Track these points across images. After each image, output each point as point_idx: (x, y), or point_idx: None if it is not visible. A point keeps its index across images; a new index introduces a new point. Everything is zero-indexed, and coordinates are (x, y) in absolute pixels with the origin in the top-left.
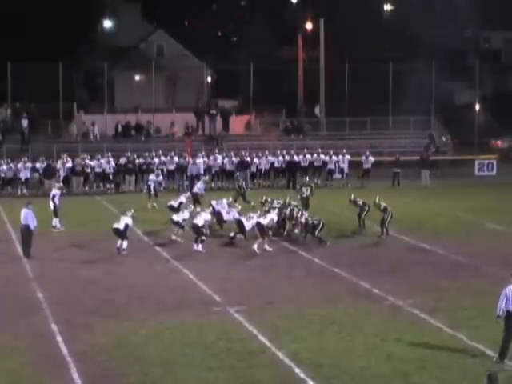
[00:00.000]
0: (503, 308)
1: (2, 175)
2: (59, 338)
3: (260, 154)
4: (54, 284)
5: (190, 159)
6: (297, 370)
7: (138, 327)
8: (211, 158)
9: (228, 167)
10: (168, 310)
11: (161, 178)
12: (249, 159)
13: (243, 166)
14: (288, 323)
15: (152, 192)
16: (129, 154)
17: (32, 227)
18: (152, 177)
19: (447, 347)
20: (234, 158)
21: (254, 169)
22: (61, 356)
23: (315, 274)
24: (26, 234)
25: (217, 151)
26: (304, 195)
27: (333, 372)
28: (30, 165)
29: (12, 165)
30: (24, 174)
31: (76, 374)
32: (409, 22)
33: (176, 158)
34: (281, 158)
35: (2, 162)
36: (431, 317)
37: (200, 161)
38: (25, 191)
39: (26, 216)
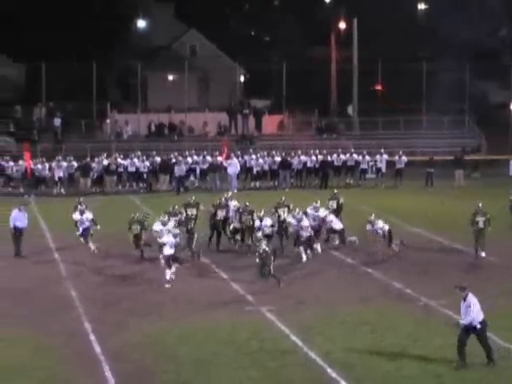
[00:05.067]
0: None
1: (37, 174)
2: (92, 337)
3: (293, 154)
4: (87, 283)
5: (224, 161)
6: (329, 370)
7: (171, 326)
8: (250, 157)
9: (265, 167)
10: (200, 309)
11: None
12: (289, 159)
13: (285, 165)
14: (320, 323)
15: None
16: (154, 153)
17: (22, 227)
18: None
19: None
20: (267, 158)
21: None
22: (94, 354)
23: (347, 274)
24: (19, 234)
25: (251, 151)
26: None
27: (364, 372)
28: (64, 164)
29: (47, 164)
30: (57, 173)
31: (109, 372)
32: (442, 21)
33: (209, 158)
34: (314, 158)
35: (37, 160)
36: None
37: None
38: (61, 190)
39: (18, 218)
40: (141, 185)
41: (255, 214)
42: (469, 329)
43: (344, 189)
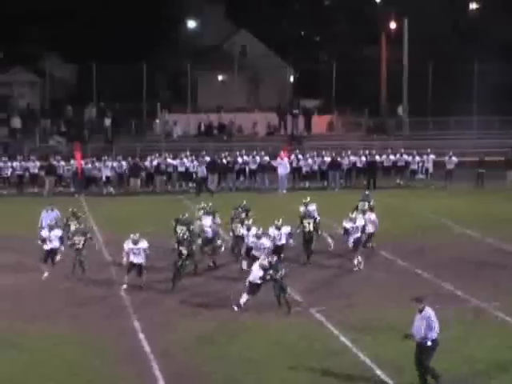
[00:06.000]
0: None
1: (87, 174)
2: (141, 336)
3: (343, 154)
4: (136, 283)
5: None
6: (378, 372)
7: (220, 327)
8: (299, 157)
9: (315, 167)
10: (249, 309)
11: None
12: (339, 159)
13: (335, 165)
14: (370, 324)
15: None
16: (204, 153)
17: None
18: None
19: None
20: (316, 158)
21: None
22: (143, 353)
23: (397, 275)
24: None
25: (297, 151)
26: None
27: (414, 374)
28: (110, 163)
29: (97, 163)
30: (105, 173)
31: (158, 371)
32: (494, 20)
33: (258, 158)
34: (363, 158)
35: (88, 160)
36: None
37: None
38: (111, 190)
39: (46, 219)
40: (190, 184)
41: (245, 222)
42: (420, 346)
43: (394, 189)
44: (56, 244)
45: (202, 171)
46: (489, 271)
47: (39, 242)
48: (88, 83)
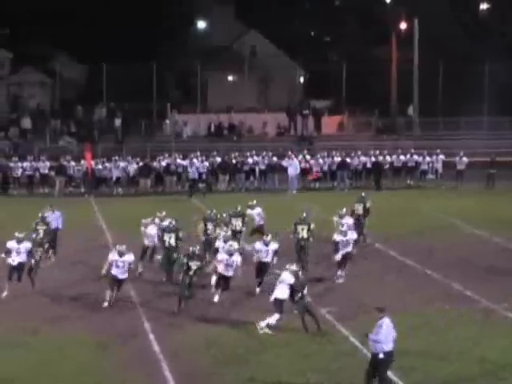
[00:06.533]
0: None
1: (98, 174)
2: (151, 337)
3: (353, 154)
4: (146, 283)
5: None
6: (389, 373)
7: (230, 328)
8: (310, 157)
9: (325, 168)
10: (259, 310)
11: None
12: (348, 159)
13: (344, 166)
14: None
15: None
16: (215, 153)
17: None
18: None
19: None
20: (326, 159)
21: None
22: (153, 355)
23: (407, 276)
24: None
25: (305, 152)
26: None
27: (425, 374)
28: (121, 164)
29: (107, 164)
30: (115, 173)
31: (168, 372)
32: (504, 21)
33: (267, 159)
34: (373, 159)
35: (98, 161)
36: None
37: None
38: (119, 190)
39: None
40: (200, 185)
41: (223, 232)
42: (373, 358)
43: (404, 190)
44: (23, 258)
45: (193, 172)
46: (498, 272)
47: (2, 255)
48: (98, 83)
